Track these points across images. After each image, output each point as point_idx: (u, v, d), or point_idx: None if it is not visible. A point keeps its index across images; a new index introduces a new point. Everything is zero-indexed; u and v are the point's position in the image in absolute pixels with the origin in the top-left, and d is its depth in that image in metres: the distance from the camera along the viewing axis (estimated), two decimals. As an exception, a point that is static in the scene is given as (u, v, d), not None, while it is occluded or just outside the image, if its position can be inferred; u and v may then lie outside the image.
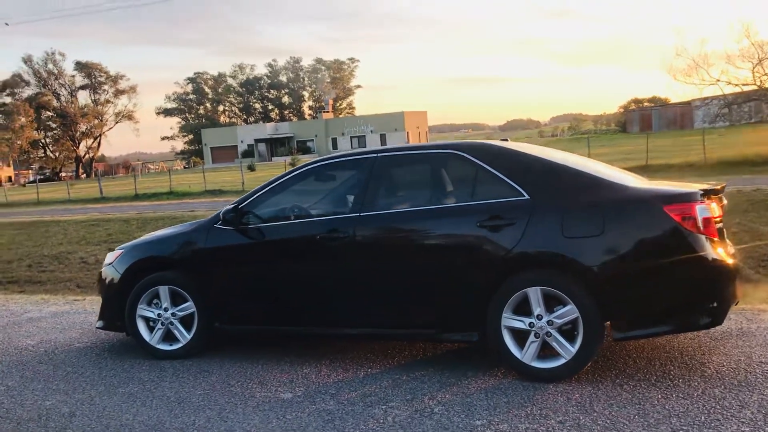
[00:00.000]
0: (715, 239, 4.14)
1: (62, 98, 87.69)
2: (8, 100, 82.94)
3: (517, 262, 4.27)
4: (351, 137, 78.28)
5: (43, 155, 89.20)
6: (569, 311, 4.13)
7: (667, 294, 4.12)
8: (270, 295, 4.98)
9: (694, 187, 4.25)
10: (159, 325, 5.27)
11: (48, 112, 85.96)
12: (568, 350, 4.16)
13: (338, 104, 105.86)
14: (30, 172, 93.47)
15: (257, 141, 79.94)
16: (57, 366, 5.32)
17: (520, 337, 4.28)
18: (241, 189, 28.37)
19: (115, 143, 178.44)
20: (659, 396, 3.91)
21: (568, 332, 4.18)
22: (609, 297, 4.10)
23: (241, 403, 4.22)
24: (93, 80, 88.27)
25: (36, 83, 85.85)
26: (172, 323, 5.24)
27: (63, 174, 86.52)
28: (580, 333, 4.12)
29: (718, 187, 4.57)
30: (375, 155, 4.87)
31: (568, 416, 3.70)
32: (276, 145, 79.29)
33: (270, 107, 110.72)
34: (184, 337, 5.21)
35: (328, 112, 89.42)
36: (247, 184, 30.64)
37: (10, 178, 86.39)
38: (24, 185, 69.73)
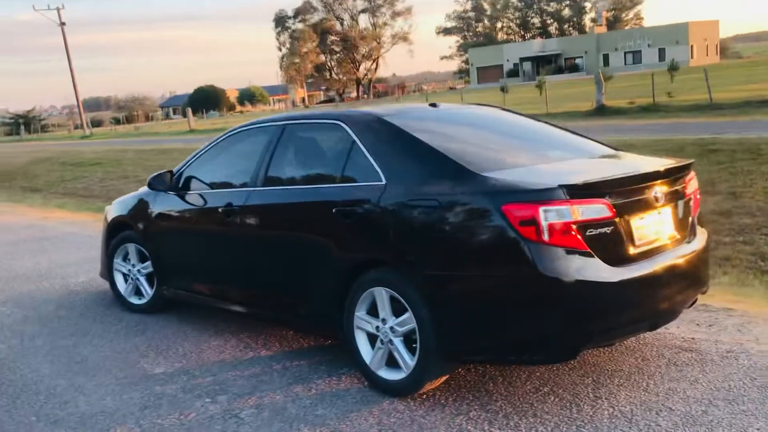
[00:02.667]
0: (579, 251, 3.14)
1: (344, 23, 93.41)
2: (299, 26, 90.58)
3: (364, 257, 3.69)
4: (625, 53, 72.50)
5: (328, 77, 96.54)
6: (408, 319, 3.50)
7: (495, 317, 3.28)
8: (191, 265, 4.96)
9: (561, 179, 3.21)
10: (129, 280, 5.55)
11: (332, 37, 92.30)
12: (407, 363, 3.55)
13: (624, 15, 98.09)
14: (321, 93, 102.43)
15: (522, 60, 77.73)
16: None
17: (373, 340, 3.74)
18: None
19: (393, 64, 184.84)
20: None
21: (411, 342, 3.55)
22: (439, 309, 3.37)
23: (113, 369, 4.31)
24: (372, 3, 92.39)
25: (322, 9, 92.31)
26: (138, 279, 5.48)
27: (345, 96, 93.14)
28: (417, 346, 3.48)
29: (662, 169, 3.53)
30: (280, 123, 4.48)
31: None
32: (542, 64, 76.45)
33: (549, 21, 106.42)
34: (147, 293, 5.44)
35: (601, 25, 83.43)
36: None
37: (303, 99, 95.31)
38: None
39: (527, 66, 77.39)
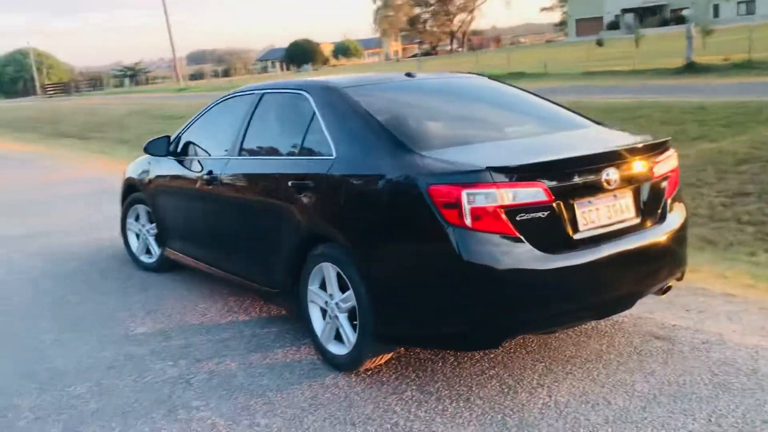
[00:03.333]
0: (508, 237, 3.00)
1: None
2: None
3: (312, 232, 3.68)
4: (737, 2, 67.63)
5: (422, 30, 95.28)
6: (350, 297, 3.49)
7: (421, 301, 3.20)
8: (182, 228, 5.09)
9: (494, 160, 3.06)
10: (140, 239, 5.78)
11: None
12: (349, 339, 3.55)
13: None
14: (416, 46, 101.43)
15: (624, 11, 73.89)
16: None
17: (325, 315, 3.75)
18: (543, 71, 27.12)
19: (491, 16, 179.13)
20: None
21: (354, 319, 3.55)
22: (374, 289, 3.33)
23: (101, 327, 4.52)
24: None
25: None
26: (147, 239, 5.70)
27: (438, 49, 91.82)
28: (357, 323, 3.47)
29: (618, 150, 3.35)
30: (257, 92, 4.48)
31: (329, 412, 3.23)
32: (646, 15, 72.46)
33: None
34: (155, 252, 5.64)
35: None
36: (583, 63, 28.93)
37: (396, 52, 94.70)
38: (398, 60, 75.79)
39: (629, 18, 73.54)
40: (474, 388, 3.37)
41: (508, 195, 2.99)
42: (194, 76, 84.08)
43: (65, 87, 72.98)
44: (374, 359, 3.52)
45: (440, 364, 3.63)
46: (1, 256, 6.67)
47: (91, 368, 3.94)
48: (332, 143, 3.60)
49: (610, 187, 3.23)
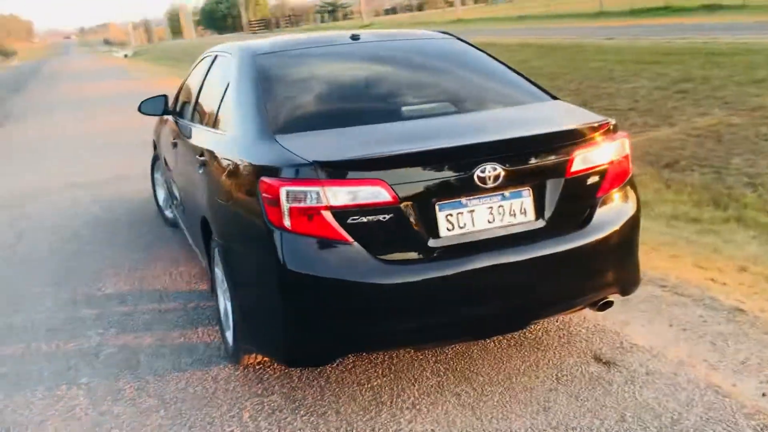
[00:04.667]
0: (337, 242, 2.56)
1: None
2: None
3: (203, 215, 3.45)
4: None
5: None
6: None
7: (255, 307, 2.88)
8: (173, 189, 5.02)
9: (330, 152, 2.61)
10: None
11: None
12: (231, 331, 3.32)
13: None
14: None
15: None
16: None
17: (228, 299, 3.55)
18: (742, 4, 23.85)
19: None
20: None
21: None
22: (231, 289, 3.06)
23: (82, 286, 4.66)
24: None
25: None
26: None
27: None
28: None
29: (510, 138, 2.80)
30: (213, 53, 4.25)
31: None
32: None
33: None
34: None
35: None
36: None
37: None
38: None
39: None
40: (342, 401, 3.02)
41: (337, 194, 2.54)
42: (390, 11, 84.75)
43: (267, 23, 76.86)
44: (251, 356, 3.26)
45: (330, 368, 3.29)
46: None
47: (36, 328, 4.07)
48: (232, 117, 3.31)
49: (488, 185, 2.64)
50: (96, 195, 7.27)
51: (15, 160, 10.34)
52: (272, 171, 2.62)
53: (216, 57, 4.13)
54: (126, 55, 57.46)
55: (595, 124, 2.91)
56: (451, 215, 2.65)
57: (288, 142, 2.78)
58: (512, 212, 2.73)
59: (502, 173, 2.65)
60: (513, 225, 2.74)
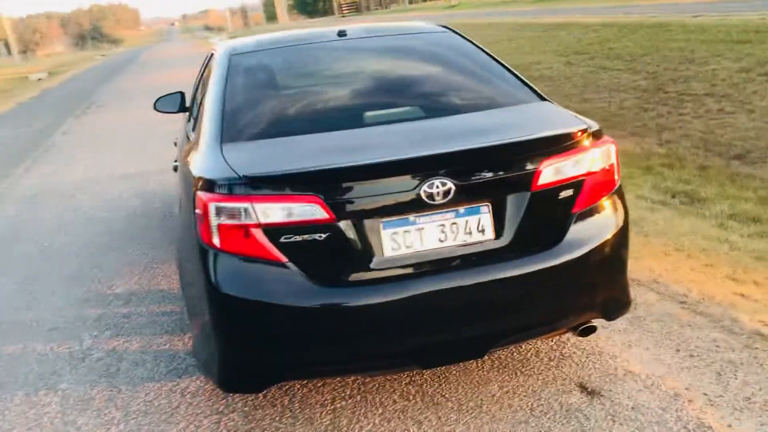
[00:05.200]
0: (269, 263, 2.39)
1: None
2: None
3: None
4: None
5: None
6: None
7: (196, 325, 2.73)
8: None
9: (264, 165, 2.45)
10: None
11: None
12: None
13: None
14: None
15: None
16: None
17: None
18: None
19: None
20: None
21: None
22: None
23: (93, 283, 4.71)
24: None
25: None
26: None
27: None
28: None
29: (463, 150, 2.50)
30: (211, 52, 4.13)
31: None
32: None
33: None
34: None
35: None
36: None
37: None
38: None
39: None
40: (299, 423, 2.87)
41: (268, 211, 2.36)
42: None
43: (358, 6, 77.05)
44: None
45: (299, 385, 3.14)
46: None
47: (39, 327, 4.12)
48: (199, 122, 3.19)
49: (436, 202, 2.40)
50: (141, 188, 7.39)
51: (79, 149, 10.70)
52: (205, 184, 2.48)
53: (211, 55, 4.01)
54: (220, 40, 59.03)
55: (569, 132, 2.60)
56: (397, 234, 2.43)
57: (232, 152, 2.62)
58: (468, 230, 2.48)
59: (453, 188, 2.40)
60: (469, 244, 2.49)
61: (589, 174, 2.60)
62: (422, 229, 2.44)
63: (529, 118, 2.88)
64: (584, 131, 2.61)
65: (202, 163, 2.65)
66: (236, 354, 2.54)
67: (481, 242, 2.49)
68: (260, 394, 3.08)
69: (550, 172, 2.52)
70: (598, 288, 2.69)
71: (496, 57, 3.36)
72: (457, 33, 3.63)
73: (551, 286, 2.57)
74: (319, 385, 3.10)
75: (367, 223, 2.40)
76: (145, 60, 38.78)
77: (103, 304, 4.34)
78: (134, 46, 76.28)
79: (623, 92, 10.72)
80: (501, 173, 2.48)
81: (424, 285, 2.43)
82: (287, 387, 3.12)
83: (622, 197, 2.77)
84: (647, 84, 10.79)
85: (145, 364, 3.51)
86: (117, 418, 3.07)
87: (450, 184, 2.39)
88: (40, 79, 29.64)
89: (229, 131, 2.78)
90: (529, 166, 2.50)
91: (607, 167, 2.66)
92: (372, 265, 2.42)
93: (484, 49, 3.44)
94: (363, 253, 2.41)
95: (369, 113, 2.89)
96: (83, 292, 4.57)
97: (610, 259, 2.68)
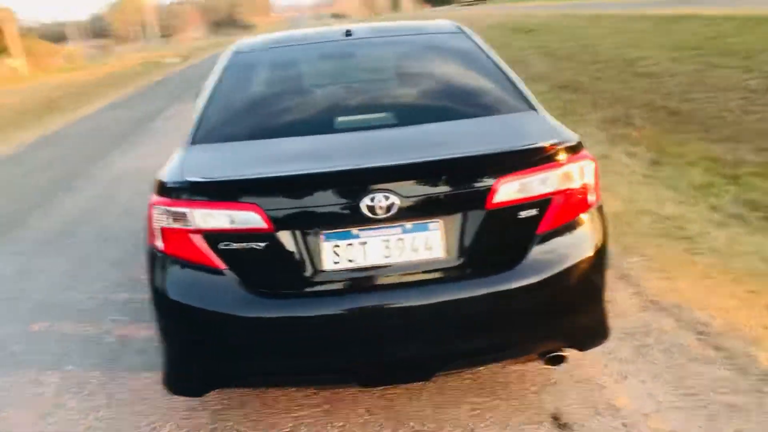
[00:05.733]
0: (207, 269, 2.38)
1: None
2: None
3: None
4: None
5: None
6: None
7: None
8: None
9: (209, 169, 2.44)
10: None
11: None
12: None
13: None
14: None
15: None
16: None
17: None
18: None
19: None
20: None
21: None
22: None
23: (110, 279, 4.91)
24: None
25: None
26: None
27: None
28: None
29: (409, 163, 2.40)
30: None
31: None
32: None
33: None
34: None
35: None
36: None
37: None
38: None
39: None
40: (259, 427, 2.85)
41: (207, 217, 2.35)
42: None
43: (477, -4, 76.07)
44: None
45: (275, 392, 3.13)
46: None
47: (70, 308, 4.32)
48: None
49: (379, 216, 2.30)
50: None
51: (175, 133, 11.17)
52: (156, 186, 2.50)
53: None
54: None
55: (533, 147, 2.41)
56: (338, 246, 2.35)
57: (196, 153, 2.64)
58: (415, 247, 2.36)
59: (397, 203, 2.29)
60: (415, 262, 2.37)
61: (557, 193, 2.41)
62: (365, 243, 2.35)
63: (504, 129, 2.70)
64: (553, 147, 2.42)
65: (167, 164, 2.67)
66: (176, 356, 2.56)
67: (428, 260, 2.37)
68: (236, 394, 3.09)
69: (509, 189, 2.35)
70: (564, 315, 2.49)
71: (497, 62, 3.17)
72: (467, 34, 3.45)
73: (507, 310, 2.41)
74: (292, 390, 3.07)
75: (308, 234, 2.33)
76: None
77: (134, 290, 4.48)
78: (264, 33, 78.82)
79: (729, 92, 9.96)
80: (452, 189, 2.35)
81: (364, 301, 2.34)
82: (263, 389, 3.11)
83: (599, 219, 2.55)
84: (758, 84, 9.95)
85: (147, 353, 3.58)
86: (101, 404, 3.17)
87: (394, 199, 2.28)
88: (170, 63, 31.38)
89: (202, 132, 2.79)
90: (484, 183, 2.34)
91: (580, 186, 2.46)
92: (311, 278, 2.36)
93: (488, 52, 3.25)
94: (302, 265, 2.35)
95: (341, 119, 2.82)
96: (119, 278, 4.74)
97: (580, 285, 2.48)
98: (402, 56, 3.43)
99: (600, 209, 2.55)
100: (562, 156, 2.42)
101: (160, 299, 2.47)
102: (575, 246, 2.47)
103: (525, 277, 2.39)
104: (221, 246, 2.35)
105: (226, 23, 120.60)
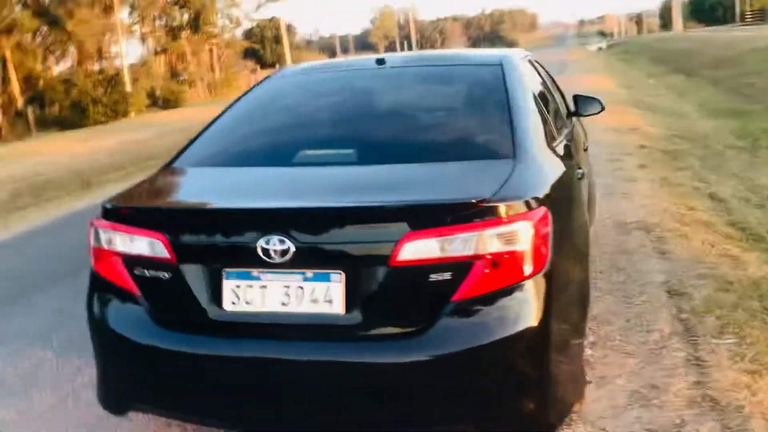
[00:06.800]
0: (124, 292, 2.39)
1: None
2: None
3: None
4: None
5: None
6: None
7: None
8: None
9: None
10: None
11: None
12: None
13: None
14: None
15: None
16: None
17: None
18: None
19: None
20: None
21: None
22: None
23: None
24: None
25: None
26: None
27: None
28: None
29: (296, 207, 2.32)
30: None
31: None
32: None
33: None
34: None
35: None
36: None
37: None
38: None
39: None
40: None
41: (124, 241, 2.37)
42: None
43: (763, 14, 68.98)
44: None
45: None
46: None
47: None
48: None
49: (275, 260, 2.14)
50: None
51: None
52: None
53: None
54: (600, 48, 57.94)
55: (453, 203, 2.09)
56: (238, 287, 2.23)
57: (161, 176, 2.73)
58: (314, 298, 2.15)
59: (293, 248, 2.11)
60: (312, 314, 2.16)
61: (480, 257, 2.05)
62: (265, 287, 2.19)
63: (457, 178, 2.38)
64: (481, 204, 2.06)
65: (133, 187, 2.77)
66: (99, 372, 2.59)
67: (325, 314, 2.14)
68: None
69: (418, 247, 2.05)
70: (480, 397, 2.11)
71: (515, 100, 2.79)
72: (504, 68, 3.08)
73: (404, 383, 2.10)
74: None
75: (210, 271, 2.25)
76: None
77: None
78: (522, 49, 78.44)
79: None
80: (351, 241, 2.11)
81: (254, 349, 2.21)
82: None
83: (541, 291, 2.11)
84: None
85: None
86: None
87: (289, 244, 2.11)
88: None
89: (186, 155, 2.86)
90: (387, 238, 2.06)
91: (514, 251, 2.06)
92: (209, 316, 2.26)
93: (512, 89, 2.87)
94: (204, 301, 2.26)
95: (305, 152, 2.72)
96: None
97: (503, 365, 2.08)
98: (416, 91, 3.23)
99: (544, 278, 2.12)
100: (490, 216, 2.05)
101: (89, 315, 2.53)
102: (500, 320, 2.08)
103: (428, 348, 2.06)
104: (136, 272, 2.35)
105: (489, 38, 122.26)
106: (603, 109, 4.52)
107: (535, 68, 3.67)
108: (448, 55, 3.79)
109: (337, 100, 3.29)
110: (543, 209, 2.16)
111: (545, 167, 2.52)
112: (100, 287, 2.48)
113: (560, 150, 2.91)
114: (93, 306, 2.50)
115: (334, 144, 2.81)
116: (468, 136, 2.73)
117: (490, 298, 2.05)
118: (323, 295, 2.14)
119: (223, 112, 3.14)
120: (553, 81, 4.23)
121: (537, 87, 3.27)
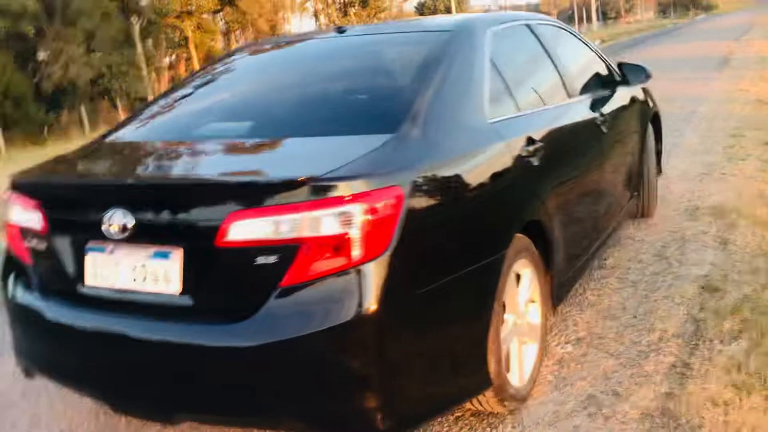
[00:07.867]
0: (19, 260, 2.47)
1: None
2: None
3: None
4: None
5: None
6: None
7: None
8: None
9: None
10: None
11: None
12: None
13: None
14: None
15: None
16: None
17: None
18: None
19: None
20: None
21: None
22: None
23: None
24: None
25: None
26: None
27: None
28: None
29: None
30: None
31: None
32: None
33: None
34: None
35: None
36: None
37: None
38: None
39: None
40: None
41: (14, 211, 2.46)
42: None
43: None
44: None
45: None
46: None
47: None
48: None
49: (115, 235, 2.13)
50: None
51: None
52: None
53: None
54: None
55: (278, 181, 1.96)
56: (96, 262, 2.23)
57: (87, 147, 2.79)
58: (156, 277, 2.11)
59: (132, 223, 2.09)
60: (153, 293, 2.12)
61: (306, 240, 1.90)
62: (118, 264, 2.18)
63: (314, 153, 2.21)
64: (308, 182, 1.89)
65: None
66: (15, 342, 2.68)
67: (164, 294, 2.10)
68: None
69: (243, 227, 1.94)
70: (308, 393, 1.96)
71: (440, 71, 2.52)
72: (451, 35, 2.79)
73: (230, 370, 2.01)
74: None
75: (75, 243, 2.27)
76: (687, 30, 36.73)
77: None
78: (719, 12, 71.99)
79: None
80: (185, 218, 2.04)
81: (105, 323, 2.21)
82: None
83: (380, 277, 1.91)
84: None
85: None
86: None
87: (130, 218, 2.09)
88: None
89: (122, 128, 2.91)
90: (213, 216, 1.97)
91: (342, 234, 1.89)
92: (78, 289, 2.29)
93: (448, 59, 2.59)
94: (72, 274, 2.29)
95: (208, 126, 2.69)
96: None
97: (334, 359, 1.92)
98: (347, 63, 3.03)
99: (390, 266, 1.91)
100: (320, 195, 1.89)
101: (3, 285, 2.64)
102: (327, 309, 1.91)
103: (250, 335, 1.95)
104: (26, 242, 2.43)
105: (683, 3, 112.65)
106: (649, 77, 4.07)
107: (537, 37, 3.31)
108: (412, 24, 3.54)
109: (269, 72, 3.19)
110: (394, 190, 1.95)
111: (444, 145, 2.27)
112: (8, 257, 2.58)
113: (511, 127, 2.62)
114: (4, 275, 2.61)
115: (237, 117, 2.73)
116: (366, 110, 2.52)
117: (318, 285, 1.90)
118: (162, 275, 2.08)
119: (171, 88, 3.16)
120: (591, 52, 3.89)
121: (507, 58, 2.93)
